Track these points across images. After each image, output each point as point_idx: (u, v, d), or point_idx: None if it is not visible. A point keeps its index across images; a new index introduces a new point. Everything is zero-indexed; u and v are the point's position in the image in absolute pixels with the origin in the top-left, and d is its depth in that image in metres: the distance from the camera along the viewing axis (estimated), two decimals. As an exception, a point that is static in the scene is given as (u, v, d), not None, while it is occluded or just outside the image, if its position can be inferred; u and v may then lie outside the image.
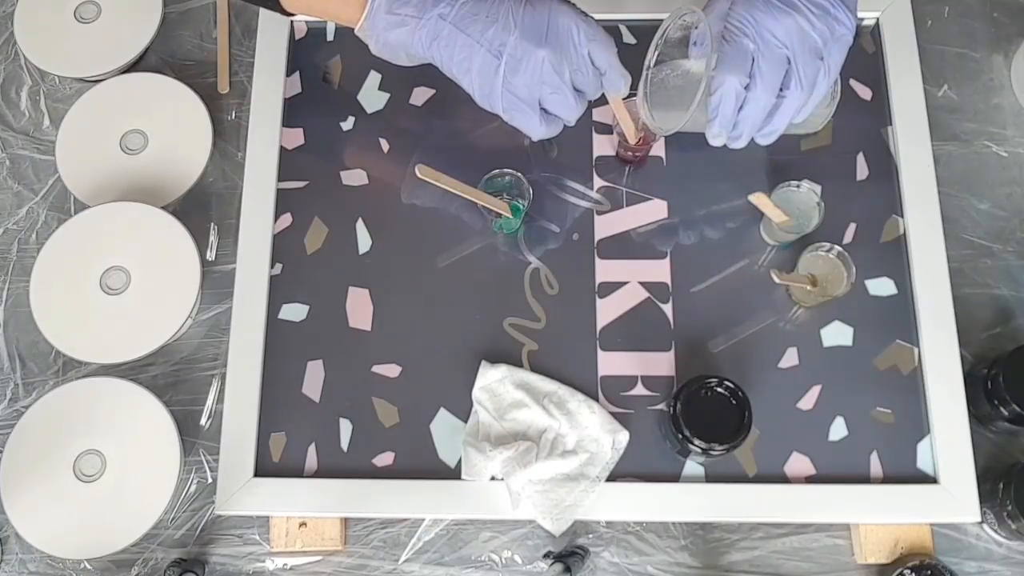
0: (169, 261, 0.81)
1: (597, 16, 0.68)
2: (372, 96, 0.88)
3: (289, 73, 0.89)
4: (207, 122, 0.87)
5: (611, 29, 0.87)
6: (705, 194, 0.84)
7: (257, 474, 0.77)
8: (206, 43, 0.93)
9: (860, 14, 0.87)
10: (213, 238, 0.86)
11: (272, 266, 0.83)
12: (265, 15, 0.90)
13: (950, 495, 0.74)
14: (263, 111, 0.87)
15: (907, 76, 0.86)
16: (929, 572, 0.71)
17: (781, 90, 0.65)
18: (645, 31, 0.88)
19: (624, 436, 0.76)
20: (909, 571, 0.71)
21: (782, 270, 0.76)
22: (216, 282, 0.84)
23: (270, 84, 0.88)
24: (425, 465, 0.77)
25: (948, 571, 0.70)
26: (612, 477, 0.75)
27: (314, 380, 0.80)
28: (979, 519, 0.74)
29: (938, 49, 0.90)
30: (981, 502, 0.74)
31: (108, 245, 0.82)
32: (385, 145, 0.87)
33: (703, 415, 0.71)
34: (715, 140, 0.68)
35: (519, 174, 0.80)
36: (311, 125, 0.88)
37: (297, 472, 0.77)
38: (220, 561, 0.77)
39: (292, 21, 0.91)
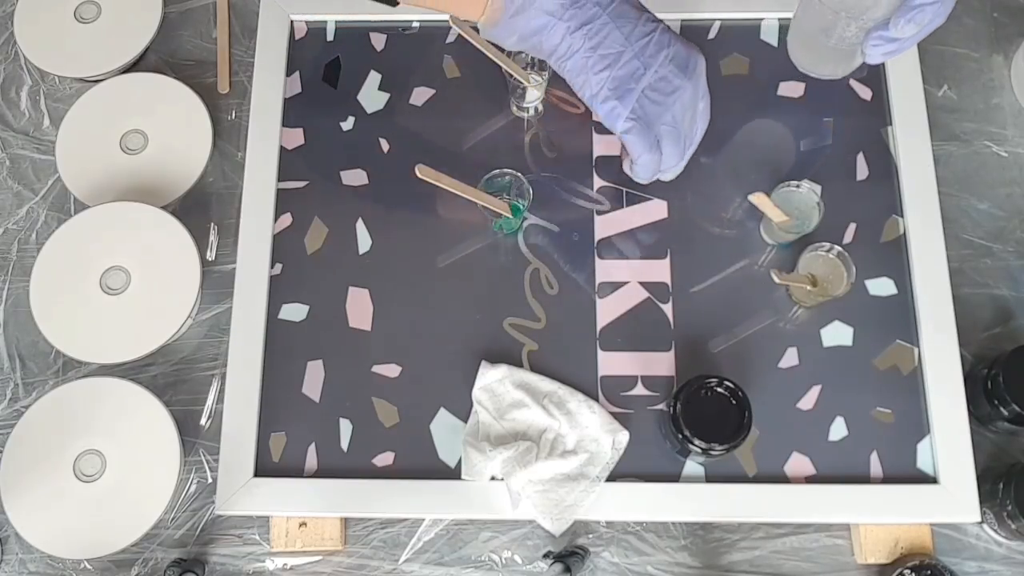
0: (169, 261, 0.81)
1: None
2: (372, 96, 0.89)
3: (289, 73, 0.89)
4: (207, 122, 0.87)
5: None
6: (705, 194, 0.84)
7: (257, 474, 0.77)
8: (206, 43, 0.93)
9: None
10: (213, 238, 0.86)
11: (272, 266, 0.83)
12: (265, 15, 0.90)
13: (950, 495, 0.74)
14: (263, 111, 0.87)
15: (907, 76, 0.86)
16: (929, 572, 0.70)
17: None
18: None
19: (624, 436, 0.76)
20: (909, 571, 0.71)
21: (782, 270, 0.76)
22: (216, 282, 0.84)
23: (270, 84, 0.88)
24: (425, 465, 0.77)
25: (948, 571, 0.70)
26: (612, 477, 0.75)
27: (314, 380, 0.80)
28: (979, 519, 0.74)
29: (938, 49, 0.90)
30: (981, 502, 0.74)
31: (108, 245, 0.82)
32: (385, 145, 0.87)
33: (703, 415, 0.71)
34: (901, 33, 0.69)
35: (519, 174, 0.80)
36: (311, 125, 0.88)
37: (297, 472, 0.77)
38: (220, 561, 0.77)
39: (292, 21, 0.91)
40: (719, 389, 0.71)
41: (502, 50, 0.75)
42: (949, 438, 0.76)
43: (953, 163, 0.86)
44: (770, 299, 0.81)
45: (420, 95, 0.88)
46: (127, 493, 0.76)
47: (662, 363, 0.79)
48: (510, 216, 0.78)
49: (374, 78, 0.89)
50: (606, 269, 0.82)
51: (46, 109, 0.92)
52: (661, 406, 0.78)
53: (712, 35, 0.89)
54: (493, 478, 0.76)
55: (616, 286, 0.82)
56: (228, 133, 0.89)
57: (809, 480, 0.76)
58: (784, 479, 0.76)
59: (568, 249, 0.83)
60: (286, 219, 0.85)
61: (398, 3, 0.71)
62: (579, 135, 0.86)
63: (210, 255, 0.85)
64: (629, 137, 0.66)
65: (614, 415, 0.77)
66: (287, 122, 0.87)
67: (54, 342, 0.79)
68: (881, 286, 0.81)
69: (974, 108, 0.88)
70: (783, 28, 0.89)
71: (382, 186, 0.86)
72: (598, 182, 0.85)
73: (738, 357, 0.79)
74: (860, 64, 0.82)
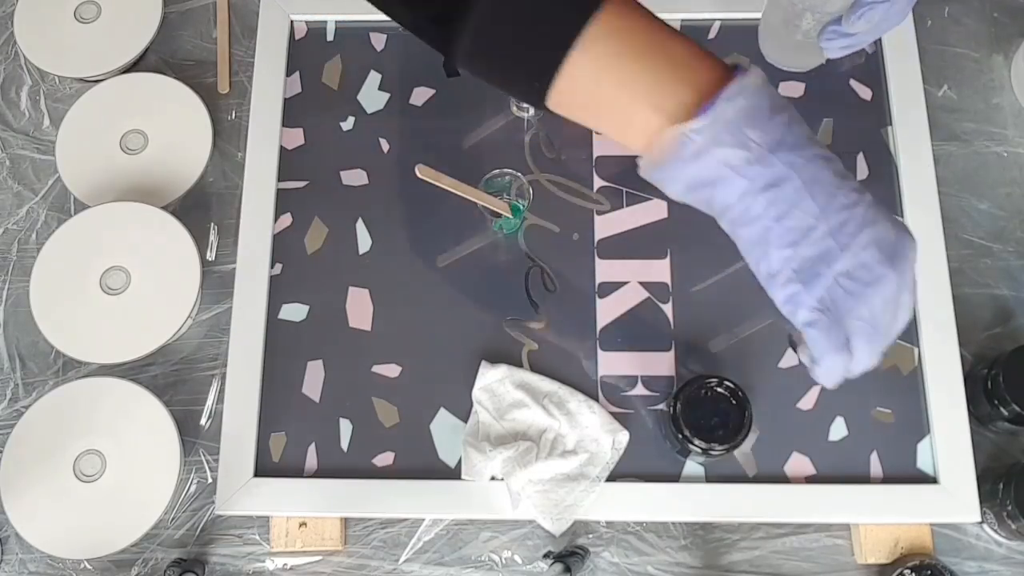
0: (169, 261, 0.81)
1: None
2: (372, 96, 0.89)
3: (289, 73, 0.89)
4: (207, 122, 0.87)
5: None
6: (705, 194, 0.84)
7: (257, 474, 0.77)
8: (206, 43, 0.93)
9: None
10: (213, 238, 0.86)
11: (272, 266, 0.83)
12: (265, 15, 0.90)
13: (950, 495, 0.74)
14: (263, 111, 0.87)
15: (907, 76, 0.86)
16: (929, 572, 0.70)
17: None
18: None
19: (624, 436, 0.76)
20: (909, 571, 0.71)
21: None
22: (216, 282, 0.84)
23: (270, 84, 0.88)
24: (425, 465, 0.77)
25: (948, 571, 0.70)
26: (612, 477, 0.75)
27: (314, 380, 0.80)
28: (979, 519, 0.74)
29: (938, 49, 0.90)
30: (981, 502, 0.74)
31: (108, 245, 0.82)
32: (385, 145, 0.87)
33: (703, 415, 0.71)
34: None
35: (519, 174, 0.80)
36: (311, 125, 0.88)
37: (297, 472, 0.77)
38: (220, 561, 0.77)
39: (292, 21, 0.91)
40: (719, 389, 0.71)
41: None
42: (949, 438, 0.76)
43: (953, 163, 0.86)
44: (770, 299, 0.80)
45: (420, 95, 0.88)
46: (127, 493, 0.76)
47: (662, 363, 0.79)
48: (510, 216, 0.78)
49: (374, 78, 0.89)
50: (606, 269, 0.82)
51: (46, 109, 0.92)
52: (661, 406, 0.78)
53: (712, 35, 0.89)
54: (493, 478, 0.76)
55: (616, 286, 0.82)
56: (228, 133, 0.89)
57: (809, 480, 0.76)
58: (784, 479, 0.76)
59: (568, 249, 0.83)
60: (286, 219, 0.85)
61: (550, 111, 0.57)
62: (579, 135, 0.86)
63: (210, 255, 0.85)
64: (813, 332, 0.52)
65: (614, 415, 0.77)
66: (287, 122, 0.87)
67: (54, 342, 0.79)
68: (881, 286, 0.81)
69: (974, 108, 0.88)
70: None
71: (382, 186, 0.86)
72: (598, 182, 0.85)
73: (738, 357, 0.79)
74: (824, 59, 0.83)
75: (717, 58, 0.51)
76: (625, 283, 0.82)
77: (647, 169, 0.53)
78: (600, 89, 0.51)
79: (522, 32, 0.51)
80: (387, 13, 0.55)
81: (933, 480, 0.75)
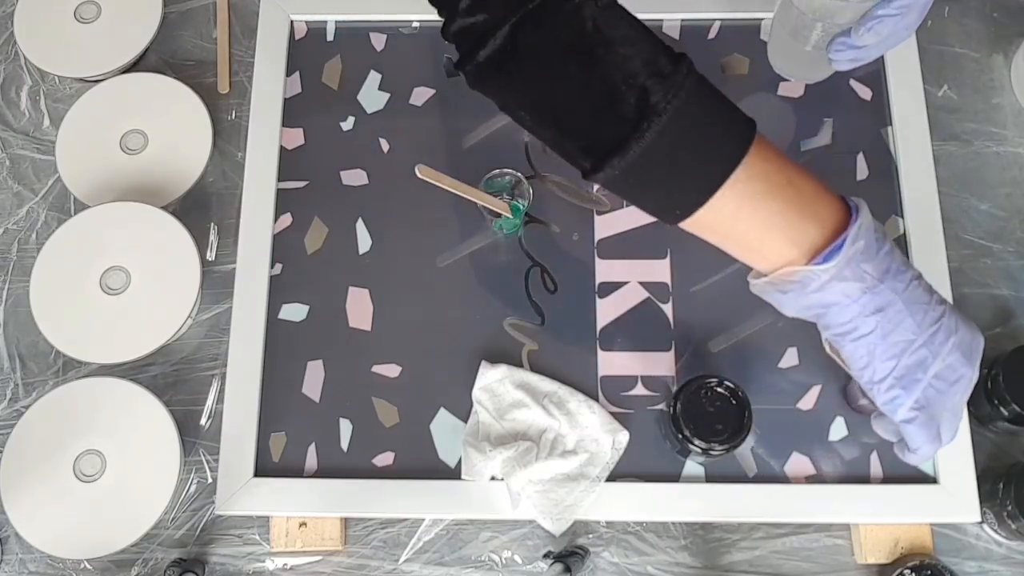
0: (169, 261, 0.81)
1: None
2: (372, 96, 0.89)
3: (289, 73, 0.89)
4: (207, 122, 0.87)
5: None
6: (705, 194, 0.84)
7: (257, 474, 0.77)
8: (206, 43, 0.93)
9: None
10: (213, 238, 0.86)
11: (272, 266, 0.83)
12: (265, 15, 0.90)
13: (950, 495, 0.74)
14: (263, 111, 0.87)
15: (907, 76, 0.86)
16: (929, 572, 0.70)
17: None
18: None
19: (624, 436, 0.76)
20: (909, 571, 0.71)
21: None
22: (216, 282, 0.84)
23: (270, 84, 0.88)
24: (425, 465, 0.77)
25: (948, 571, 0.70)
26: (612, 477, 0.75)
27: (314, 380, 0.80)
28: (979, 519, 0.74)
29: (938, 49, 0.90)
30: (981, 502, 0.74)
31: (108, 245, 0.82)
32: (385, 145, 0.87)
33: (703, 415, 0.71)
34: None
35: (519, 174, 0.80)
36: (311, 125, 0.88)
37: (297, 472, 0.77)
38: (220, 561, 0.77)
39: (292, 21, 0.91)
40: (719, 389, 0.71)
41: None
42: (949, 438, 0.76)
43: (953, 163, 0.86)
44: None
45: (420, 95, 0.88)
46: (127, 493, 0.76)
47: (662, 363, 0.79)
48: (510, 216, 0.78)
49: (374, 78, 0.89)
50: (606, 269, 0.82)
51: (46, 109, 0.92)
52: (661, 406, 0.78)
53: (712, 35, 0.89)
54: (493, 478, 0.76)
55: (616, 286, 0.82)
56: (228, 133, 0.89)
57: (809, 480, 0.76)
58: (784, 479, 0.76)
59: (568, 249, 0.83)
60: (286, 219, 0.85)
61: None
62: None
63: (210, 255, 0.85)
64: (911, 428, 0.60)
65: (614, 415, 0.77)
66: (287, 122, 0.87)
67: (54, 342, 0.79)
68: (881, 286, 0.81)
69: (974, 108, 0.88)
70: (783, 28, 0.89)
71: (382, 186, 0.86)
72: (598, 182, 0.85)
73: (738, 357, 0.79)
74: (832, 71, 0.82)
75: (833, 192, 0.57)
76: (625, 283, 0.82)
77: (763, 289, 0.59)
78: (738, 221, 0.56)
79: (673, 174, 0.54)
80: (534, 133, 0.58)
81: (933, 480, 0.75)
